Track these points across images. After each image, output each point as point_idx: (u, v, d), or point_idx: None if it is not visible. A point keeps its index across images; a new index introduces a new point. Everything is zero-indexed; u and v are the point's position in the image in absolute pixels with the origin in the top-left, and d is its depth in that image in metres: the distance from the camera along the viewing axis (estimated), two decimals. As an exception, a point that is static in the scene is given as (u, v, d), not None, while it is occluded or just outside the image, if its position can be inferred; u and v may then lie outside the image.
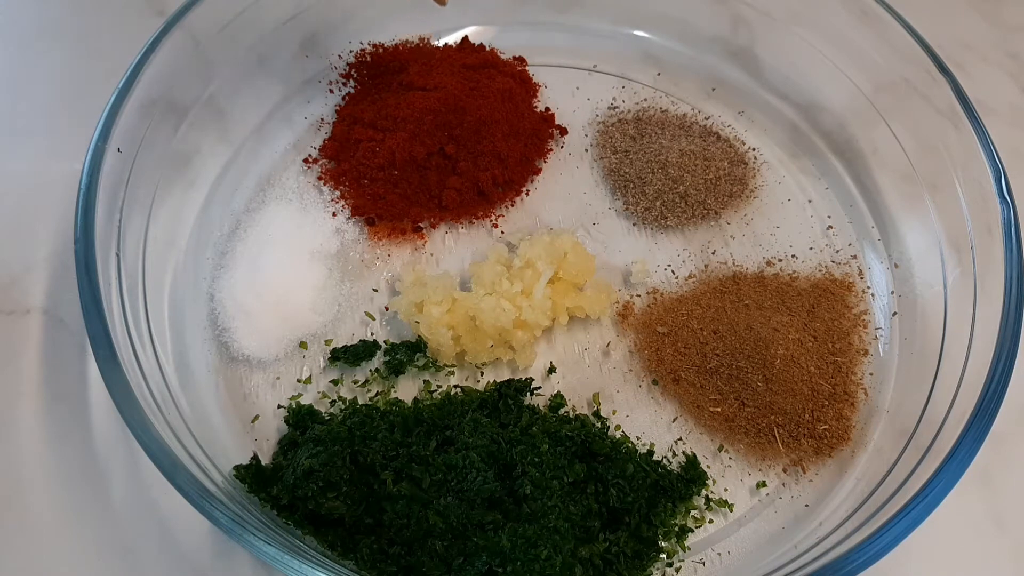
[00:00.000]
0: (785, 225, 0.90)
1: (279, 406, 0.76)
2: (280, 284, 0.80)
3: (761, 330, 0.78)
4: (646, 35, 1.03)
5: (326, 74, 0.97)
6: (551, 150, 0.95)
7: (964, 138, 0.79)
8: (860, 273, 0.87)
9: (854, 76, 0.92)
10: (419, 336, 0.78)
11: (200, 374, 0.76)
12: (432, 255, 0.86)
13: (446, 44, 1.00)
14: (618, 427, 0.77)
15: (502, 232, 0.88)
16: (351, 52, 0.98)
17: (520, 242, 0.84)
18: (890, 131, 0.89)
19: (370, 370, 0.78)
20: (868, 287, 0.86)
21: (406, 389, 0.78)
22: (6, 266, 0.83)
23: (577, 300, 0.80)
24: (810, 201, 0.93)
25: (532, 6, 1.03)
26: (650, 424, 0.78)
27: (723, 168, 0.91)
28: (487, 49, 0.99)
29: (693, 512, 0.72)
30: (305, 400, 0.76)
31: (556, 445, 0.70)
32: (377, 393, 0.77)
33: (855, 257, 0.88)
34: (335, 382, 0.78)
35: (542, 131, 0.94)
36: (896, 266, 0.87)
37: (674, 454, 0.76)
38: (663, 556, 0.69)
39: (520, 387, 0.75)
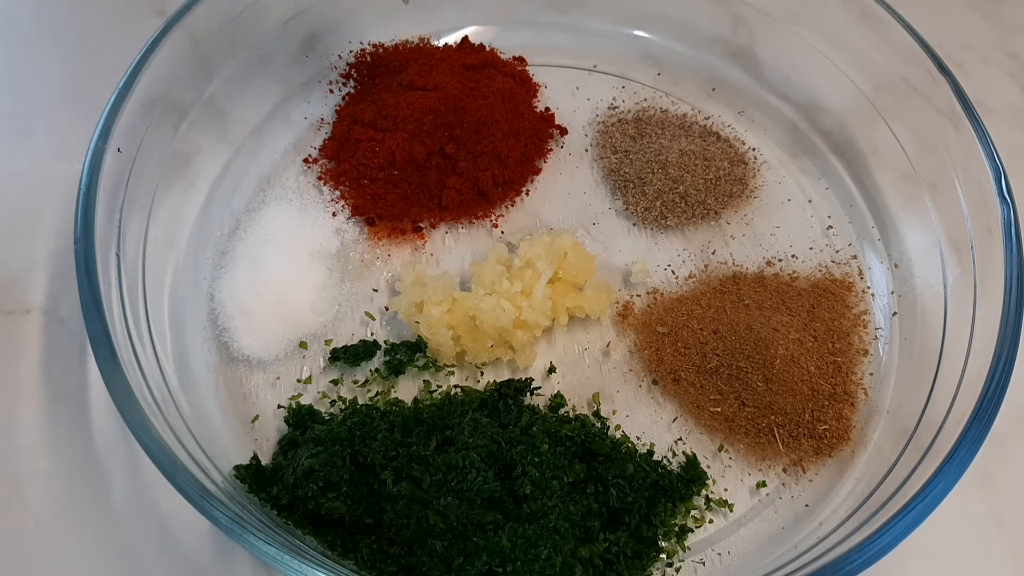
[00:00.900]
0: (785, 225, 0.90)
1: (279, 406, 0.76)
2: (280, 284, 0.80)
3: (761, 330, 0.78)
4: (646, 35, 1.03)
5: (326, 74, 0.97)
6: (551, 150, 0.95)
7: (964, 138, 0.79)
8: (860, 273, 0.87)
9: (854, 76, 0.92)
10: (419, 336, 0.78)
11: (200, 374, 0.76)
12: (432, 255, 0.86)
13: (446, 44, 1.00)
14: (618, 427, 0.77)
15: (502, 232, 0.88)
16: (351, 52, 0.98)
17: (520, 242, 0.84)
18: (890, 131, 0.89)
19: (370, 370, 0.78)
20: (868, 287, 0.86)
21: (406, 389, 0.78)
22: (6, 266, 0.83)
23: (577, 300, 0.80)
24: (810, 201, 0.93)
25: (532, 6, 1.03)
26: (650, 424, 0.78)
27: (723, 168, 0.91)
28: (487, 49, 0.99)
29: (693, 512, 0.72)
30: (305, 400, 0.76)
31: (556, 445, 0.70)
32: (377, 393, 0.77)
33: (855, 257, 0.88)
34: (335, 382, 0.78)
35: (542, 131, 0.94)
36: (896, 266, 0.87)
37: (674, 454, 0.76)
38: (663, 556, 0.69)
39: (520, 387, 0.76)
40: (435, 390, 0.77)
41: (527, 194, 0.91)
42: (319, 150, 0.92)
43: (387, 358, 0.78)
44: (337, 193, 0.88)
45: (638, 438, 0.76)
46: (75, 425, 0.74)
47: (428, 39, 1.00)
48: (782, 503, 0.74)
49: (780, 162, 0.96)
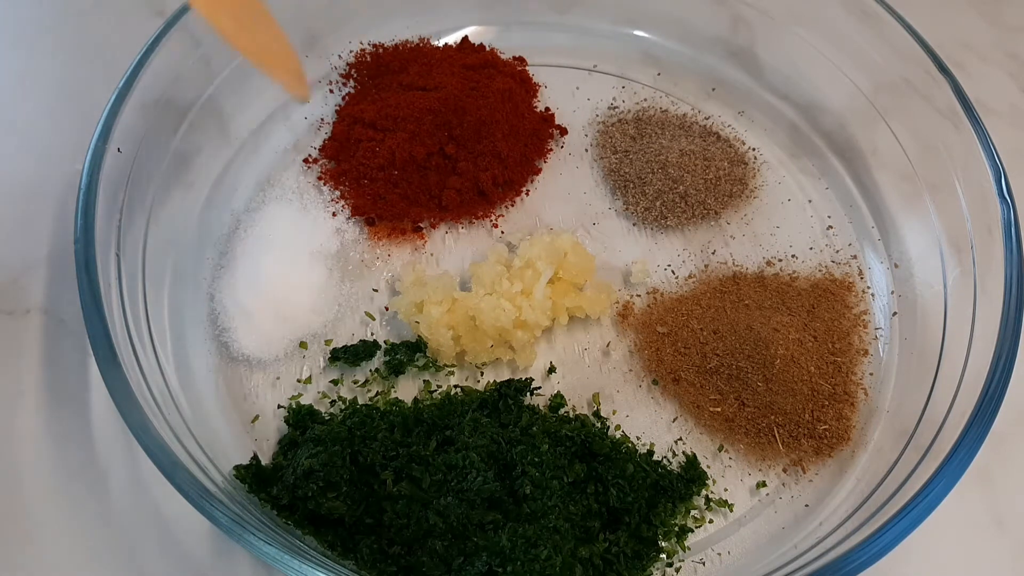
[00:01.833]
0: (785, 225, 0.91)
1: (279, 406, 0.76)
2: (280, 284, 0.80)
3: (761, 330, 0.78)
4: (646, 35, 1.03)
5: (326, 74, 0.97)
6: (551, 150, 0.95)
7: (964, 138, 0.79)
8: (860, 273, 0.87)
9: (854, 76, 0.92)
10: (419, 336, 0.78)
11: (200, 374, 0.76)
12: (432, 255, 0.86)
13: (446, 44, 1.00)
14: (618, 427, 0.77)
15: (502, 232, 0.88)
16: (351, 52, 0.98)
17: (520, 242, 0.84)
18: (890, 131, 0.89)
19: (370, 370, 0.78)
20: (868, 287, 0.86)
21: (406, 389, 0.78)
22: (6, 266, 0.83)
23: (577, 300, 0.80)
24: (810, 201, 0.93)
25: (532, 6, 1.03)
26: (650, 424, 0.78)
27: (723, 168, 0.91)
28: (487, 49, 0.99)
29: (693, 512, 0.72)
30: (305, 400, 0.76)
31: (556, 445, 0.70)
32: (377, 393, 0.77)
33: (855, 257, 0.88)
34: (335, 382, 0.78)
35: (542, 131, 0.94)
36: (896, 266, 0.87)
37: (674, 454, 0.76)
38: (663, 556, 0.69)
39: (520, 387, 0.75)
40: (435, 390, 0.77)
41: (527, 194, 0.91)
42: (319, 150, 0.92)
43: (387, 358, 0.78)
44: (337, 193, 0.88)
45: (638, 438, 0.76)
46: (75, 425, 0.74)
47: (428, 39, 1.00)
48: (782, 503, 0.74)
49: (780, 162, 0.96)
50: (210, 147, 0.87)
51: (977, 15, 1.11)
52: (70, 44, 1.00)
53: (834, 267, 0.87)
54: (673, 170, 0.90)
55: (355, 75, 0.97)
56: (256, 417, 0.75)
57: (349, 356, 0.77)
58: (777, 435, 0.75)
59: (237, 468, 0.66)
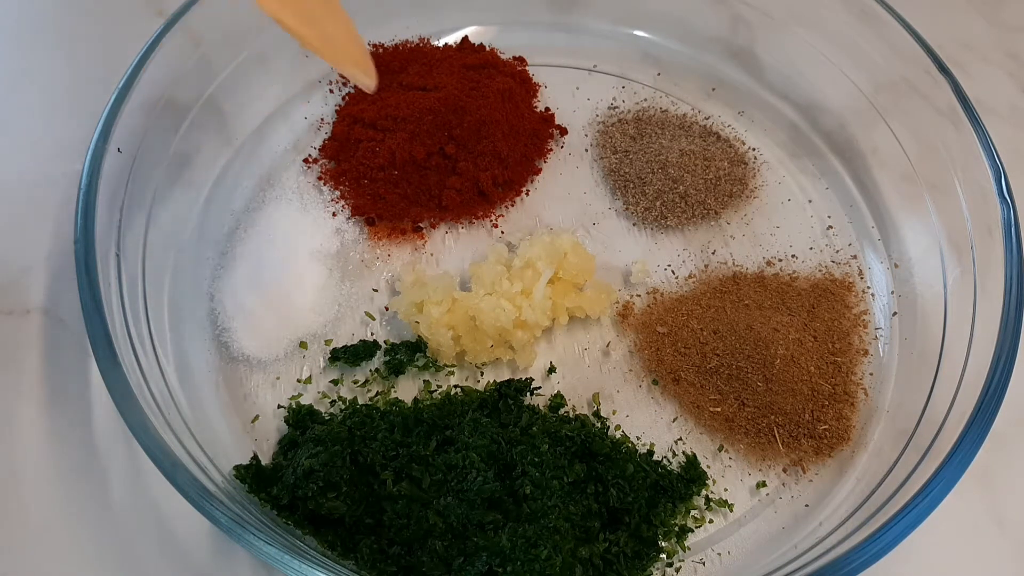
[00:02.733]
0: (785, 225, 0.91)
1: (279, 406, 0.76)
2: (280, 284, 0.80)
3: (761, 330, 0.78)
4: (646, 35, 1.03)
5: (326, 74, 0.97)
6: (551, 150, 0.95)
7: (964, 138, 0.79)
8: (860, 273, 0.87)
9: (854, 76, 0.92)
10: (419, 336, 0.78)
11: (200, 374, 0.76)
12: (432, 255, 0.86)
13: (446, 44, 1.00)
14: (618, 427, 0.77)
15: (502, 232, 0.88)
16: (351, 52, 0.98)
17: (520, 242, 0.84)
18: (890, 131, 0.89)
19: (370, 370, 0.78)
20: (868, 287, 0.86)
21: (406, 389, 0.78)
22: (6, 266, 0.83)
23: (577, 300, 0.80)
24: (810, 201, 0.93)
25: (532, 6, 1.03)
26: (650, 424, 0.78)
27: (723, 168, 0.91)
28: (487, 49, 0.99)
29: (693, 512, 0.72)
30: (305, 400, 0.76)
31: (556, 445, 0.70)
32: (377, 393, 0.77)
33: (855, 257, 0.88)
34: (335, 382, 0.78)
35: (542, 131, 0.94)
36: (896, 266, 0.87)
37: (674, 454, 0.76)
38: (663, 556, 0.69)
39: (520, 387, 0.75)
40: (435, 390, 0.77)
41: (527, 194, 0.91)
42: (319, 150, 0.92)
43: (387, 358, 0.78)
44: (337, 193, 0.88)
45: (638, 438, 0.76)
46: (75, 425, 0.74)
47: (428, 39, 1.00)
48: (782, 503, 0.74)
49: (780, 162, 0.96)
50: (210, 147, 0.87)
51: (977, 15, 1.11)
52: (70, 44, 1.00)
53: (834, 267, 0.87)
54: (673, 170, 0.90)
55: (355, 75, 0.97)
56: (256, 417, 0.75)
57: (349, 356, 0.77)
58: (777, 435, 0.75)
59: (237, 468, 0.66)
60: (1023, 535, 0.74)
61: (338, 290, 0.83)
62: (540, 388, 0.78)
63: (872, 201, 0.91)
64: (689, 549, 0.70)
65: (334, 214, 0.87)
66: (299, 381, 0.78)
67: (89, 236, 0.66)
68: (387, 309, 0.82)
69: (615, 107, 0.99)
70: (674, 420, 0.78)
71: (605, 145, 0.94)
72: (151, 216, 0.78)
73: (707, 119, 0.98)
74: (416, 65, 0.95)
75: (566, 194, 0.92)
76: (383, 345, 0.79)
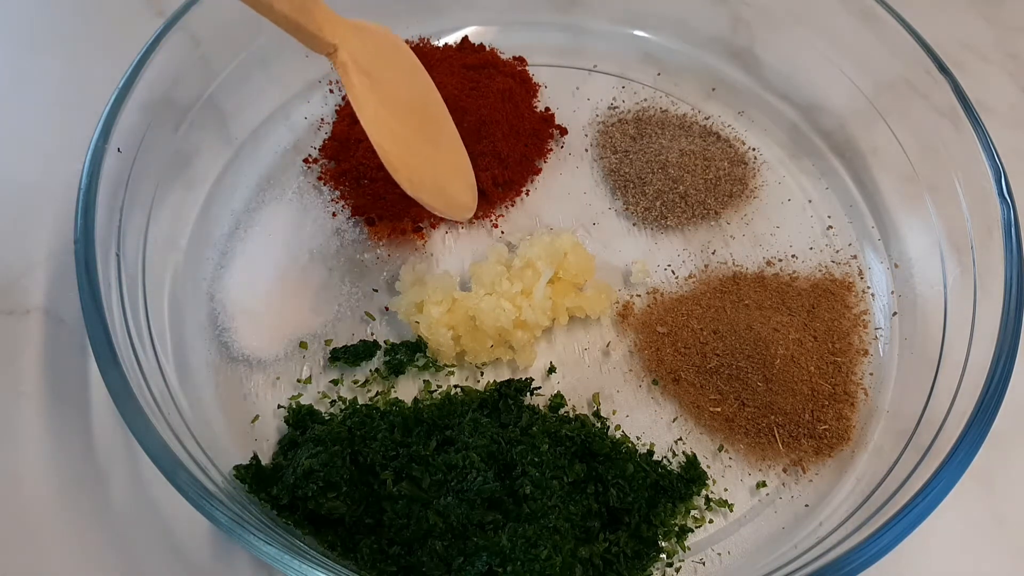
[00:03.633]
0: (785, 225, 0.91)
1: (279, 406, 0.76)
2: (280, 284, 0.80)
3: (761, 330, 0.78)
4: (646, 35, 1.03)
5: (326, 74, 0.97)
6: (551, 150, 0.95)
7: (964, 138, 0.79)
8: (860, 273, 0.87)
9: (854, 76, 0.92)
10: (419, 336, 0.78)
11: (200, 374, 0.76)
12: (432, 255, 0.86)
13: (446, 44, 1.00)
14: (618, 427, 0.77)
15: (502, 232, 0.88)
16: (351, 52, 0.98)
17: (520, 242, 0.84)
18: (890, 131, 0.89)
19: (370, 370, 0.78)
20: (868, 287, 0.86)
21: (406, 389, 0.78)
22: (6, 266, 0.83)
23: (577, 300, 0.80)
24: (810, 201, 0.93)
25: (532, 6, 1.03)
26: (650, 424, 0.78)
27: (723, 168, 0.91)
28: (487, 49, 0.99)
29: (693, 512, 0.72)
30: (305, 400, 0.76)
31: (556, 445, 0.70)
32: (377, 393, 0.77)
33: (855, 257, 0.88)
34: (335, 382, 0.78)
35: (542, 131, 0.94)
36: (896, 266, 0.87)
37: (674, 454, 0.76)
38: (663, 556, 0.69)
39: (520, 387, 0.76)
40: (435, 390, 0.77)
41: (527, 194, 0.91)
42: (319, 150, 0.92)
43: (387, 358, 0.78)
44: (337, 193, 0.88)
45: (638, 438, 0.76)
46: (75, 425, 0.74)
47: (428, 39, 1.00)
48: (782, 503, 0.74)
49: (780, 162, 0.96)
50: (210, 147, 0.87)
51: (977, 15, 1.11)
52: (70, 44, 1.00)
53: (834, 267, 0.87)
54: (673, 170, 0.90)
55: (355, 75, 0.97)
56: (256, 417, 0.75)
57: (349, 356, 0.77)
58: (777, 435, 0.75)
59: (237, 468, 0.66)
60: (1023, 535, 0.74)
61: (338, 290, 0.83)
62: (540, 388, 0.78)
63: (872, 201, 0.91)
64: (689, 549, 0.70)
65: (334, 214, 0.87)
66: (299, 381, 0.78)
67: (89, 236, 0.66)
68: (387, 309, 0.82)
69: (615, 107, 0.99)
70: (674, 420, 0.78)
71: (605, 145, 0.94)
72: (151, 216, 0.78)
73: (707, 119, 0.98)
74: (416, 65, 0.95)
75: (566, 194, 0.92)
76: (383, 345, 0.79)
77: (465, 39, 1.00)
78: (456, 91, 0.88)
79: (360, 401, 0.76)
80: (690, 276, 0.87)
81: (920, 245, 0.85)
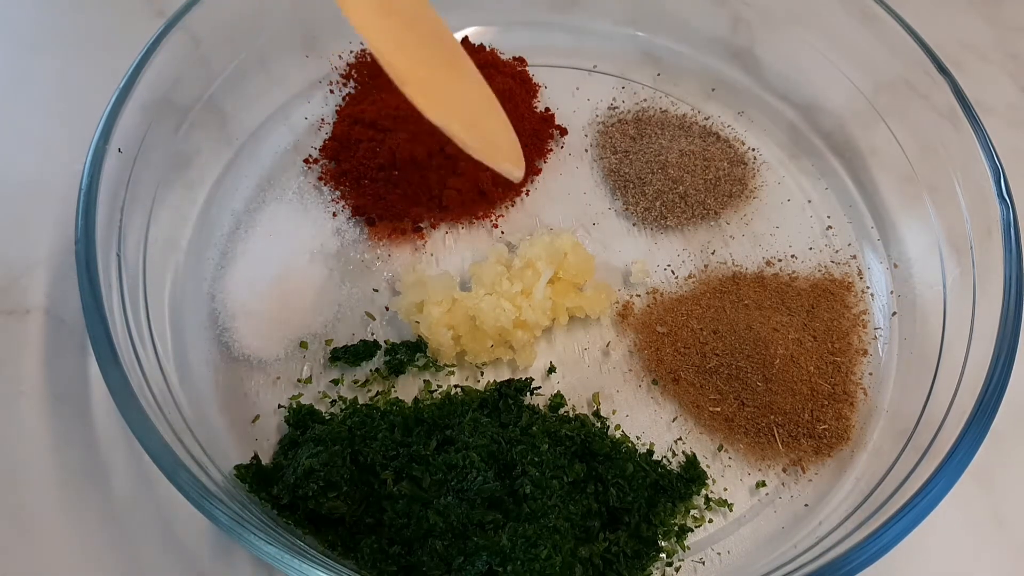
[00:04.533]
0: (785, 225, 0.91)
1: (279, 406, 0.76)
2: (280, 284, 0.80)
3: (761, 330, 0.78)
4: (646, 35, 1.03)
5: (326, 74, 0.97)
6: (551, 150, 0.95)
7: (964, 138, 0.79)
8: (860, 273, 0.87)
9: (854, 76, 0.92)
10: (419, 336, 0.78)
11: (200, 374, 0.76)
12: (432, 255, 0.87)
13: (446, 44, 1.00)
14: (618, 427, 0.77)
15: (502, 232, 0.88)
16: (351, 52, 0.98)
17: (520, 242, 0.84)
18: (890, 131, 0.89)
19: (370, 370, 0.78)
20: (868, 287, 0.86)
21: (406, 389, 0.78)
22: (6, 266, 0.83)
23: (577, 300, 0.80)
24: (810, 201, 0.93)
25: (532, 6, 1.03)
26: (650, 424, 0.78)
27: (723, 168, 0.91)
28: (487, 49, 0.99)
29: (693, 512, 0.73)
30: (305, 400, 0.76)
31: (556, 445, 0.70)
32: (377, 393, 0.77)
33: (855, 257, 0.88)
34: (335, 382, 0.78)
35: (542, 131, 0.94)
36: (896, 266, 0.87)
37: (674, 454, 0.76)
38: (663, 556, 0.69)
39: (520, 387, 0.76)
40: (435, 390, 0.78)
41: (527, 194, 0.91)
42: (319, 150, 0.92)
43: (387, 358, 0.78)
44: (337, 193, 0.88)
45: (638, 438, 0.76)
46: (75, 425, 0.74)
47: (428, 39, 1.00)
48: (782, 503, 0.74)
49: (780, 162, 0.96)
50: (210, 147, 0.87)
51: (977, 15, 1.11)
52: (70, 44, 1.00)
53: (834, 267, 0.88)
54: (673, 170, 0.90)
55: (355, 75, 0.97)
56: (256, 417, 0.75)
57: (349, 356, 0.77)
58: (777, 435, 0.75)
59: (237, 468, 0.67)
60: (1023, 535, 0.75)
61: (338, 290, 0.83)
62: (540, 388, 0.78)
63: (872, 201, 0.91)
64: (689, 549, 0.71)
65: (334, 214, 0.87)
66: (299, 381, 0.78)
67: (89, 236, 0.66)
68: (387, 309, 0.82)
69: (615, 107, 0.99)
70: (674, 420, 0.78)
71: (605, 145, 0.94)
72: (151, 216, 0.78)
73: (707, 119, 0.98)
74: (416, 65, 0.95)
75: (566, 194, 0.92)
76: (383, 345, 0.79)
77: (465, 39, 1.00)
78: (456, 91, 0.88)
79: (360, 401, 0.76)
80: (690, 276, 0.87)
81: (919, 245, 0.85)
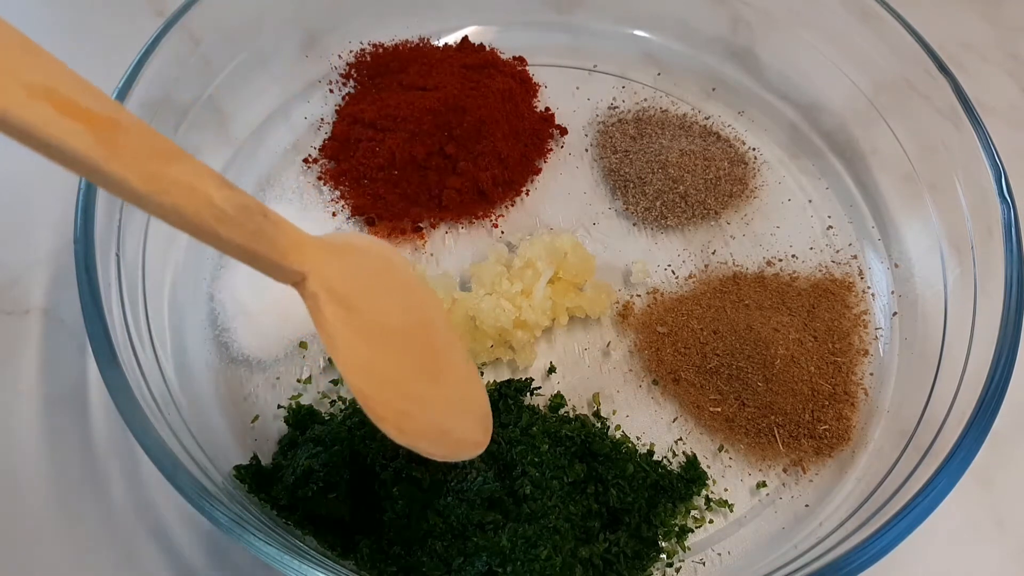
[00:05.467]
0: (785, 225, 0.91)
1: (279, 406, 0.76)
2: (280, 284, 0.80)
3: (761, 330, 0.78)
4: (646, 35, 1.03)
5: (326, 74, 0.97)
6: (551, 150, 0.95)
7: (964, 138, 0.79)
8: (860, 273, 0.87)
9: (854, 76, 0.92)
10: (419, 336, 0.78)
11: (200, 374, 0.76)
12: (432, 255, 0.86)
13: (446, 44, 1.00)
14: (618, 427, 0.77)
15: (502, 232, 0.88)
16: (351, 52, 0.98)
17: (520, 242, 0.84)
18: (890, 131, 0.89)
19: (370, 370, 0.78)
20: (868, 287, 0.86)
21: (406, 389, 0.78)
22: (6, 266, 0.83)
23: (577, 300, 0.80)
24: (810, 201, 0.93)
25: (532, 6, 1.03)
26: (650, 424, 0.78)
27: (723, 168, 0.91)
28: (487, 49, 0.99)
29: (693, 512, 0.72)
30: (305, 400, 0.76)
31: (556, 445, 0.70)
32: (377, 393, 0.77)
33: (855, 257, 0.88)
34: (335, 382, 0.78)
35: (542, 131, 0.94)
36: (896, 266, 0.87)
37: (674, 454, 0.76)
38: (663, 556, 0.69)
39: (520, 387, 0.75)
40: (435, 390, 0.77)
41: (527, 194, 0.91)
42: (319, 150, 0.92)
43: (387, 358, 0.78)
44: (337, 193, 0.88)
45: (638, 438, 0.76)
46: (75, 425, 0.74)
47: (428, 39, 1.00)
48: (782, 503, 0.74)
49: (780, 162, 0.96)
50: (210, 147, 0.87)
51: (977, 15, 1.11)
52: (70, 44, 0.99)
53: (834, 267, 0.87)
54: (673, 170, 0.90)
55: (355, 75, 0.97)
56: (256, 417, 0.75)
57: (349, 356, 0.77)
58: (777, 435, 0.75)
59: (237, 468, 0.66)
60: (1023, 535, 0.74)
61: (338, 290, 0.83)
62: (540, 388, 0.78)
63: (872, 201, 0.91)
64: (689, 549, 0.70)
65: (334, 214, 0.87)
66: (299, 381, 0.78)
67: (89, 236, 0.66)
68: (387, 309, 0.82)
69: (615, 107, 0.99)
70: (674, 420, 0.78)
71: (605, 145, 0.94)
72: (151, 216, 0.78)
73: (707, 119, 0.98)
74: (416, 65, 0.95)
75: (566, 194, 0.92)
76: (383, 345, 0.79)
77: (465, 39, 1.00)
78: (456, 91, 0.88)
79: (360, 401, 0.76)
80: (690, 276, 0.87)
81: (920, 245, 0.85)
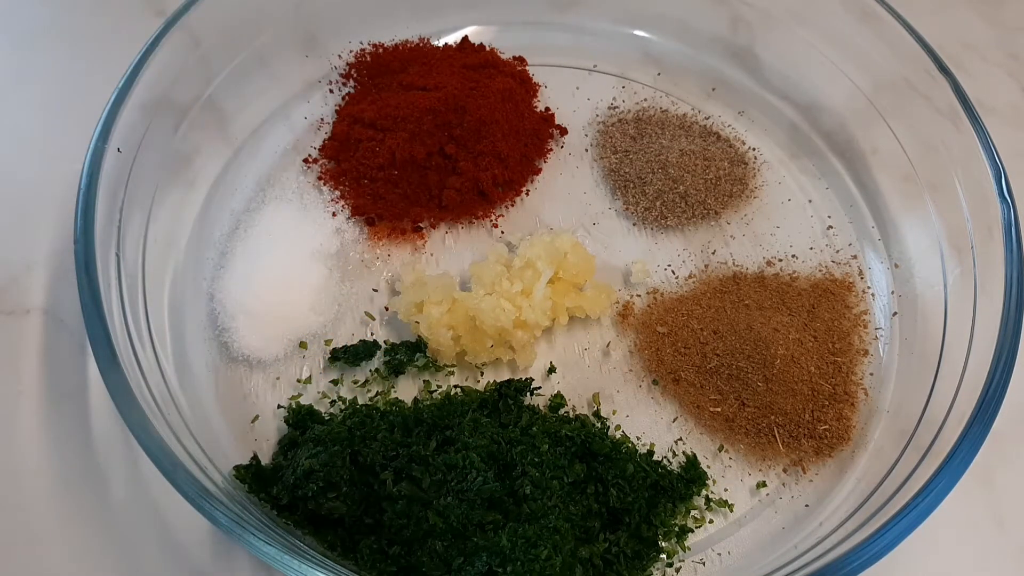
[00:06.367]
0: (785, 225, 0.90)
1: (279, 406, 0.76)
2: (280, 284, 0.80)
3: (761, 330, 0.78)
4: (646, 35, 1.03)
5: (326, 74, 0.97)
6: (551, 150, 0.95)
7: (964, 138, 0.79)
8: (860, 273, 0.87)
9: (854, 76, 0.92)
10: (419, 336, 0.78)
11: (200, 374, 0.76)
12: (432, 255, 0.86)
13: (446, 44, 1.00)
14: (618, 427, 0.77)
15: (502, 232, 0.88)
16: (351, 52, 0.98)
17: (520, 242, 0.84)
18: (890, 131, 0.89)
19: (370, 370, 0.78)
20: (868, 287, 0.86)
21: (406, 389, 0.78)
22: (6, 266, 0.83)
23: (577, 300, 0.80)
24: (810, 201, 0.93)
25: (532, 6, 1.03)
26: (650, 424, 0.78)
27: (723, 168, 0.91)
28: (487, 49, 0.99)
29: (693, 512, 0.72)
30: (305, 400, 0.76)
31: (556, 445, 0.70)
32: (377, 393, 0.77)
33: (855, 257, 0.88)
34: (335, 382, 0.78)
35: (542, 131, 0.94)
36: (896, 266, 0.87)
37: (674, 454, 0.76)
38: (663, 556, 0.69)
39: (520, 387, 0.75)
40: (435, 390, 0.77)
41: (527, 194, 0.91)
42: (319, 150, 0.92)
43: (387, 358, 0.78)
44: (337, 193, 0.88)
45: (638, 438, 0.76)
46: (75, 425, 0.74)
47: (428, 39, 1.00)
48: (782, 503, 0.74)
49: (780, 162, 0.96)
50: (210, 147, 0.87)
51: (977, 15, 1.11)
52: (70, 44, 1.00)
53: (834, 267, 0.87)
54: (673, 170, 0.90)
55: (355, 75, 0.97)
56: (256, 417, 0.75)
57: (349, 356, 0.77)
58: (777, 435, 0.75)
59: (237, 468, 0.66)
60: (1023, 535, 0.74)
61: (338, 290, 0.83)
62: (540, 388, 0.78)
63: (872, 201, 0.91)
64: (689, 549, 0.70)
65: (334, 214, 0.87)
66: (299, 381, 0.77)
67: (89, 236, 0.66)
68: (387, 309, 0.82)
69: (615, 107, 0.99)
70: (674, 420, 0.78)
71: (605, 145, 0.94)
72: (150, 216, 0.78)
73: (707, 119, 0.98)
74: (416, 65, 0.95)
75: (566, 194, 0.92)
76: (383, 345, 0.79)
77: (465, 39, 1.00)
78: (456, 91, 0.88)
79: (360, 401, 0.76)
80: (690, 276, 0.87)
81: (920, 245, 0.85)
